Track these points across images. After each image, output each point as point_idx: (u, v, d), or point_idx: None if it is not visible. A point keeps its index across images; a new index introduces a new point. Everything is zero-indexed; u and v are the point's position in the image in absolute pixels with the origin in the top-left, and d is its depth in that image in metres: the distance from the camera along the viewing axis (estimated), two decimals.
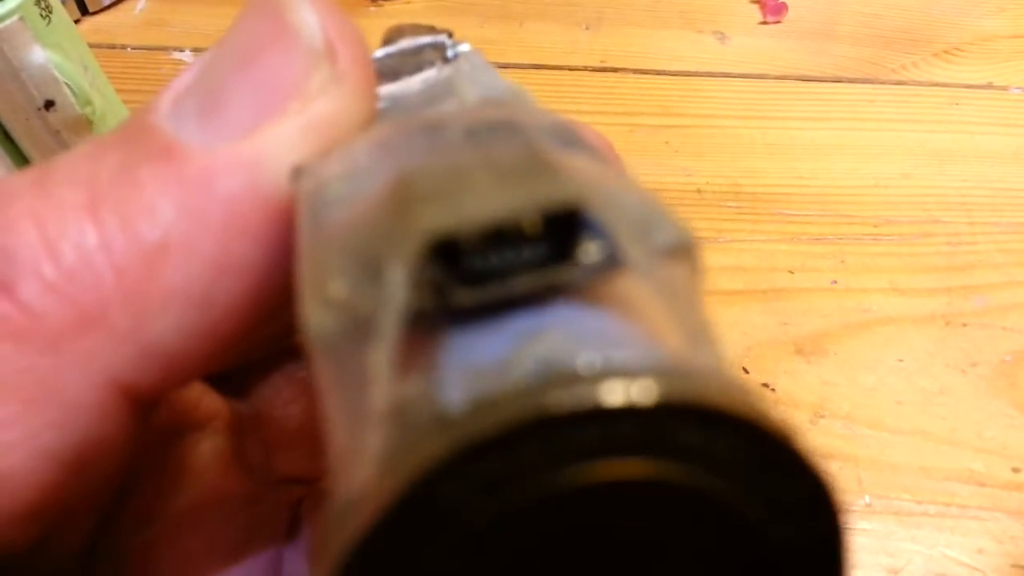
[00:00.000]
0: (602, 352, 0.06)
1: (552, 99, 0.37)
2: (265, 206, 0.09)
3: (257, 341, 0.13)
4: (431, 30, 0.13)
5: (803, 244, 0.30)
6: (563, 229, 0.07)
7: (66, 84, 0.24)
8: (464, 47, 0.12)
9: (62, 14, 0.25)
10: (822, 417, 0.26)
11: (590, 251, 0.07)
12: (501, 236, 0.07)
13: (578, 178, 0.08)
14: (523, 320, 0.07)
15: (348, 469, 0.07)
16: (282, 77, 0.10)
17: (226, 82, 0.10)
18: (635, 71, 0.38)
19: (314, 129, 0.10)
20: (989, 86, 0.35)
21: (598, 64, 0.38)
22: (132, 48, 0.40)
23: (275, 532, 0.14)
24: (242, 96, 0.10)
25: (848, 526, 0.07)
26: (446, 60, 0.12)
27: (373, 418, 0.07)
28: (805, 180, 0.32)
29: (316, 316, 0.08)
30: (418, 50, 0.12)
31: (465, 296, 0.07)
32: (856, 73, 0.36)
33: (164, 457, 0.14)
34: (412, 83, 0.12)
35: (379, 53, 0.12)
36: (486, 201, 0.07)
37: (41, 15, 0.24)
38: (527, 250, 0.07)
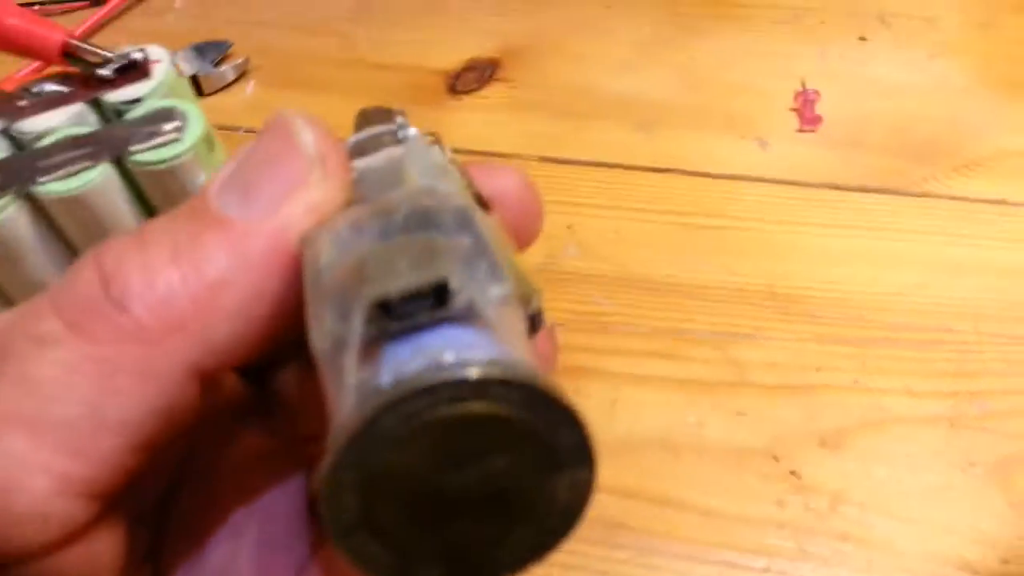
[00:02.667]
0: (458, 352, 0.12)
1: (608, 196, 0.41)
2: (283, 256, 0.15)
3: (276, 344, 0.19)
4: (389, 115, 0.18)
5: (829, 345, 0.35)
6: (440, 292, 0.13)
7: None
8: (412, 131, 0.18)
9: (218, 141, 0.30)
10: (841, 504, 0.30)
11: (456, 301, 0.13)
12: (410, 296, 0.13)
13: (452, 258, 0.13)
14: (423, 338, 0.13)
15: (336, 418, 0.13)
16: (292, 175, 0.15)
17: (254, 176, 0.15)
18: (685, 172, 0.42)
19: (313, 208, 0.15)
20: (1002, 202, 0.40)
21: (651, 164, 0.43)
22: (244, 130, 0.46)
23: (301, 477, 0.20)
24: (267, 187, 0.15)
25: (591, 429, 0.13)
26: (398, 141, 0.18)
27: (346, 390, 0.12)
28: (833, 285, 0.37)
29: (318, 340, 0.13)
30: (378, 136, 0.18)
31: (393, 327, 0.13)
32: (881, 183, 0.41)
33: (214, 434, 0.19)
34: (376, 159, 0.17)
35: (351, 140, 0.18)
36: (401, 281, 0.13)
37: (207, 147, 0.29)
38: (423, 302, 0.13)
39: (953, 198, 0.40)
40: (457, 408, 0.12)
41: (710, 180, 0.42)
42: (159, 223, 0.15)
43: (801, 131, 0.43)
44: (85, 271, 0.15)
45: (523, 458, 0.13)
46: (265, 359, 0.19)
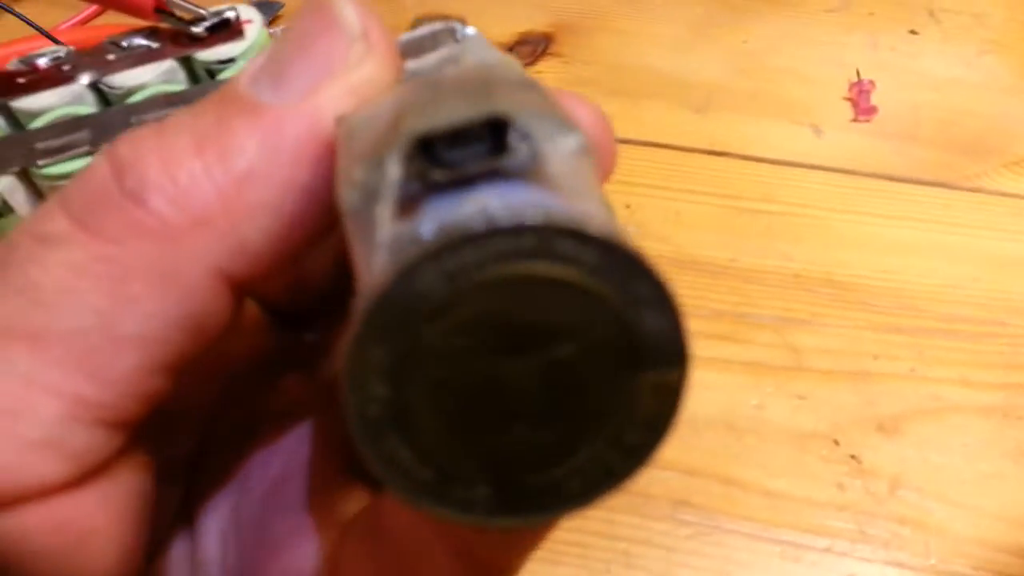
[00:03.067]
0: (510, 201, 0.10)
1: (665, 176, 0.42)
2: (319, 144, 0.13)
3: (312, 272, 0.17)
4: (447, 19, 0.16)
5: (885, 333, 0.36)
6: (498, 132, 0.10)
7: None
8: (470, 30, 0.16)
9: None
10: (899, 488, 0.31)
11: (518, 148, 0.11)
12: (459, 136, 0.10)
13: (515, 101, 0.11)
14: (473, 191, 0.10)
15: (364, 280, 0.11)
16: (330, 54, 0.13)
17: (290, 59, 0.13)
18: (740, 156, 0.43)
19: (354, 89, 0.13)
20: None
21: (707, 147, 0.43)
22: None
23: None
24: (302, 69, 0.13)
25: (685, 318, 0.10)
26: (456, 40, 0.16)
27: (378, 247, 0.10)
28: (888, 274, 0.38)
29: (345, 193, 0.11)
30: (434, 34, 0.16)
31: (436, 175, 0.10)
32: (934, 176, 0.42)
33: (249, 386, 0.18)
34: (430, 58, 0.15)
35: (404, 37, 0.16)
36: (449, 114, 0.10)
37: None
38: (476, 146, 0.10)
39: (1003, 194, 0.41)
40: (514, 266, 0.10)
41: (766, 165, 0.42)
42: (184, 113, 0.14)
43: (856, 120, 0.44)
44: (97, 163, 0.13)
45: (596, 345, 0.10)
46: (302, 303, 0.18)
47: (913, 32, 0.49)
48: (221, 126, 0.13)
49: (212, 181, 0.13)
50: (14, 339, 0.12)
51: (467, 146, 0.10)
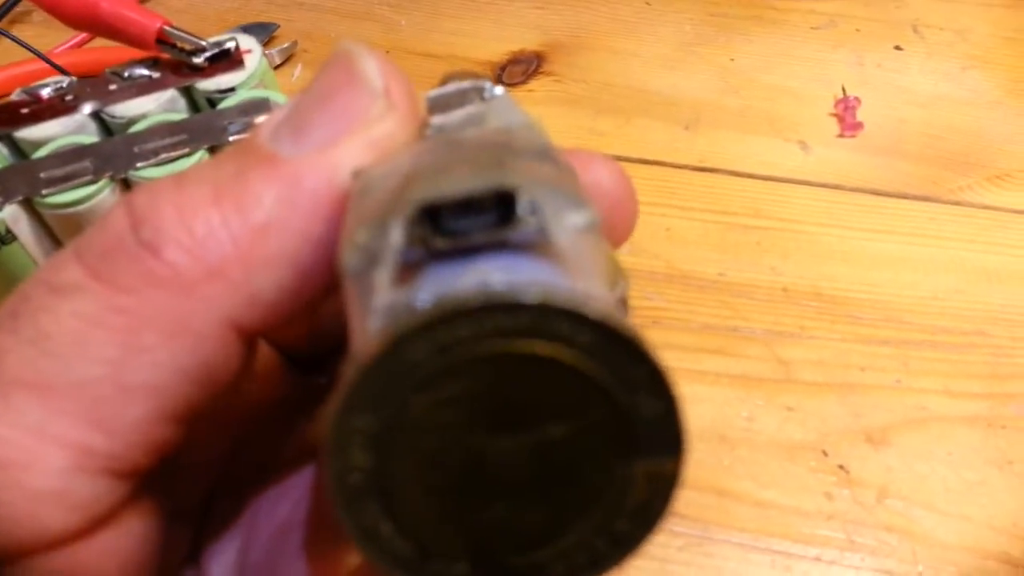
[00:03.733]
0: (512, 276, 0.10)
1: (655, 193, 0.43)
2: (336, 197, 0.13)
3: (330, 316, 0.17)
4: (476, 77, 0.16)
5: (872, 346, 0.37)
6: (506, 204, 0.10)
7: None
8: (498, 90, 0.16)
9: None
10: (887, 497, 0.32)
11: (526, 221, 0.10)
12: (465, 206, 0.10)
13: (525, 174, 0.11)
14: (475, 262, 0.10)
15: (357, 345, 0.10)
16: (350, 108, 0.13)
17: (311, 112, 0.14)
18: (728, 172, 0.44)
19: (372, 144, 0.13)
20: None
21: (696, 163, 0.44)
22: None
23: None
24: (322, 122, 0.13)
25: (683, 405, 0.10)
26: (483, 99, 0.15)
27: (373, 313, 0.10)
28: (874, 288, 0.39)
29: (347, 255, 0.11)
30: (462, 92, 0.16)
31: (439, 243, 0.10)
32: (919, 191, 0.42)
33: (264, 428, 0.18)
34: (455, 115, 0.15)
35: (432, 93, 0.16)
36: (457, 183, 0.10)
37: None
38: (482, 217, 0.10)
39: (987, 207, 0.42)
40: (509, 343, 0.10)
41: (754, 181, 0.43)
42: (202, 164, 0.14)
43: (841, 136, 0.45)
44: (114, 214, 0.13)
45: (588, 428, 0.10)
46: (319, 346, 0.18)
47: (898, 48, 0.50)
48: (239, 177, 0.13)
49: (228, 232, 0.13)
50: (24, 389, 0.12)
51: (474, 215, 0.10)
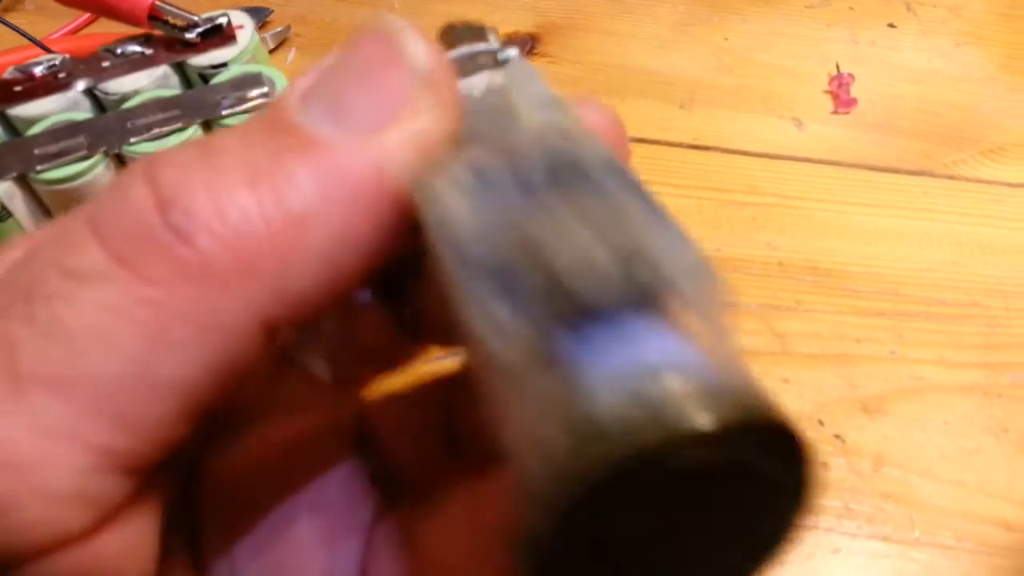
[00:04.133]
0: (678, 379, 0.10)
1: (651, 171, 0.43)
2: (383, 193, 0.12)
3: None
4: (481, 32, 0.16)
5: (868, 318, 0.37)
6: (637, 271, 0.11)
7: None
8: (512, 52, 0.15)
9: None
10: (883, 465, 0.32)
11: (653, 285, 0.11)
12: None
13: (644, 232, 0.11)
14: (616, 334, 0.10)
15: (523, 445, 0.10)
16: (395, 91, 0.12)
17: (348, 89, 0.12)
18: (723, 150, 0.44)
19: (420, 137, 0.12)
20: None
21: (691, 141, 0.44)
22: None
23: (343, 440, 0.17)
24: (365, 102, 0.12)
25: (816, 478, 0.11)
26: (497, 63, 0.15)
27: (543, 414, 0.10)
28: (870, 261, 0.39)
29: (497, 343, 0.10)
30: (474, 55, 0.15)
31: (578, 320, 0.10)
32: (913, 165, 0.43)
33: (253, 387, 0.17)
34: (473, 83, 0.14)
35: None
36: (607, 281, 0.10)
37: None
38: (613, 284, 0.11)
39: (980, 181, 0.42)
40: (686, 458, 0.10)
41: (749, 158, 0.43)
42: (229, 135, 0.12)
43: (836, 113, 0.45)
44: (136, 188, 0.12)
45: (734, 499, 0.11)
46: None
47: (891, 25, 0.50)
48: (275, 159, 0.12)
49: (266, 221, 0.11)
50: (41, 386, 0.11)
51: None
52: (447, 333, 0.16)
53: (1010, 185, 0.42)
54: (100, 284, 0.11)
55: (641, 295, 0.11)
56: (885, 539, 0.31)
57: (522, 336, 0.10)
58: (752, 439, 0.10)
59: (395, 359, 0.18)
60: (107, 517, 0.12)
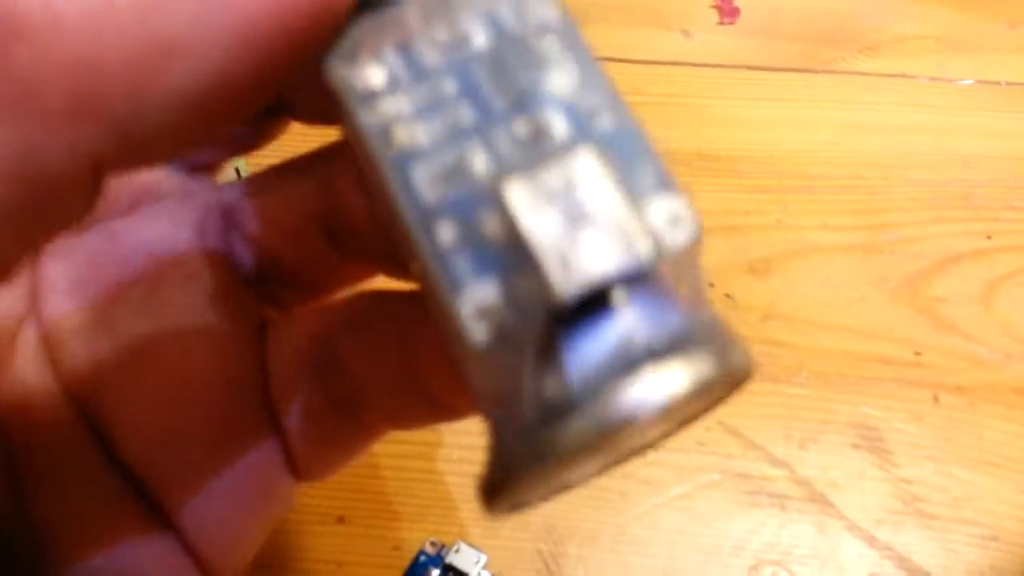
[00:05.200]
0: (658, 350, 0.10)
1: None
2: (280, 31, 0.10)
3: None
4: None
5: (755, 193, 0.38)
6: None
7: None
8: None
9: None
10: (770, 318, 0.33)
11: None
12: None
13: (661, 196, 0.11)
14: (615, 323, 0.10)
15: (499, 418, 0.11)
16: None
17: None
18: (617, 59, 0.45)
19: None
20: (902, 75, 0.43)
21: None
22: None
23: (248, 330, 0.15)
24: None
25: None
26: None
27: (526, 407, 0.10)
28: (755, 146, 0.40)
29: (468, 325, 0.10)
30: None
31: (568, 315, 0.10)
32: (795, 64, 0.44)
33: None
34: None
35: None
36: (594, 265, 0.10)
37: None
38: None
39: (859, 73, 0.44)
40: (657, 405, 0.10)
41: (637, 65, 0.44)
42: None
43: (721, 23, 0.46)
44: None
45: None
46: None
47: None
48: None
49: (121, 44, 0.09)
50: None
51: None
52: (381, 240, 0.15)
53: (885, 75, 0.43)
54: None
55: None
56: (775, 380, 0.31)
57: (497, 317, 0.10)
58: (722, 388, 0.11)
59: (325, 281, 0.17)
60: None
